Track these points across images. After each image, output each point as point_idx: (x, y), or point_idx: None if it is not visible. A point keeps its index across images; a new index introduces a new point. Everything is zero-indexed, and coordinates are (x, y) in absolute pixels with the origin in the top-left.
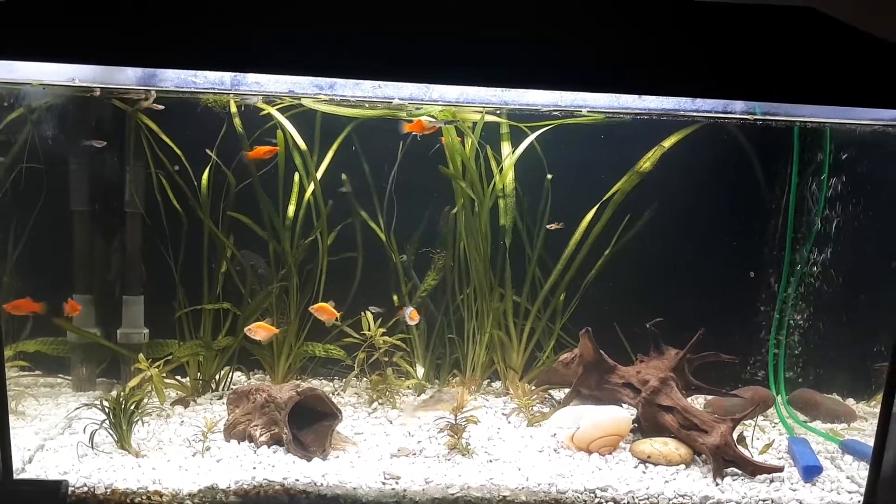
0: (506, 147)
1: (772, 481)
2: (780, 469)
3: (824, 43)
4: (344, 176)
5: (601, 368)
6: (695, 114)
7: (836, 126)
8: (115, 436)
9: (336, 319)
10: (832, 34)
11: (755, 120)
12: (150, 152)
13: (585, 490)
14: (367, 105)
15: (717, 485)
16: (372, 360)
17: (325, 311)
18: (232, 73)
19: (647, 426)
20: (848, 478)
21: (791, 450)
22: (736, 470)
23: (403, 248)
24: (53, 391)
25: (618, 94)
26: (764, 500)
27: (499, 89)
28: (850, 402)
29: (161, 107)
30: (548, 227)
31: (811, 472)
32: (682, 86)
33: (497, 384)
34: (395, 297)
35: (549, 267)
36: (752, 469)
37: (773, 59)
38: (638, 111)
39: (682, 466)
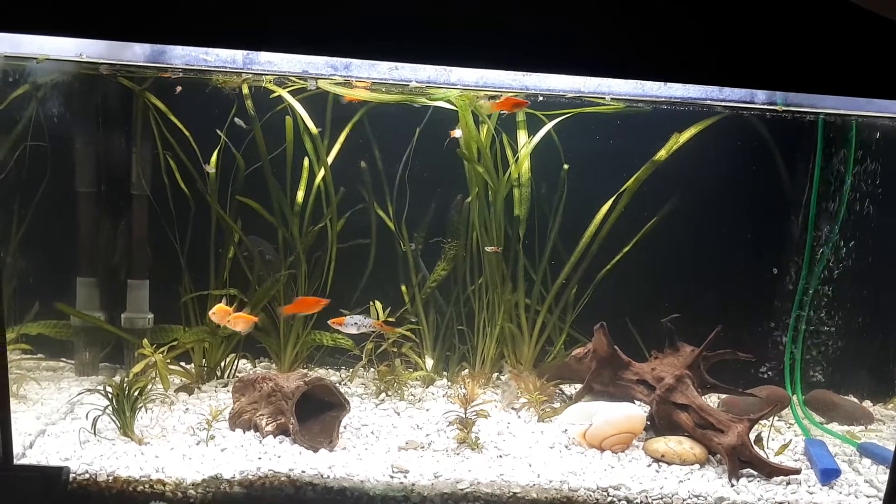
0: (522, 135)
1: (788, 483)
2: (798, 471)
3: (849, 33)
4: (363, 163)
5: (615, 364)
6: (717, 103)
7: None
8: (117, 422)
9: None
10: (857, 23)
11: (779, 111)
12: (157, 133)
13: (598, 488)
14: (382, 88)
15: (733, 486)
16: (380, 350)
17: (241, 319)
18: (244, 52)
19: (661, 424)
20: (866, 482)
21: (808, 452)
22: (752, 471)
23: (413, 238)
24: (56, 375)
25: (641, 82)
26: (780, 503)
27: (519, 74)
28: (868, 403)
29: (179, 87)
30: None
31: (829, 475)
32: (707, 74)
33: (507, 376)
34: (403, 288)
35: (563, 259)
36: (769, 470)
37: (798, 48)
38: (661, 99)
39: (697, 466)
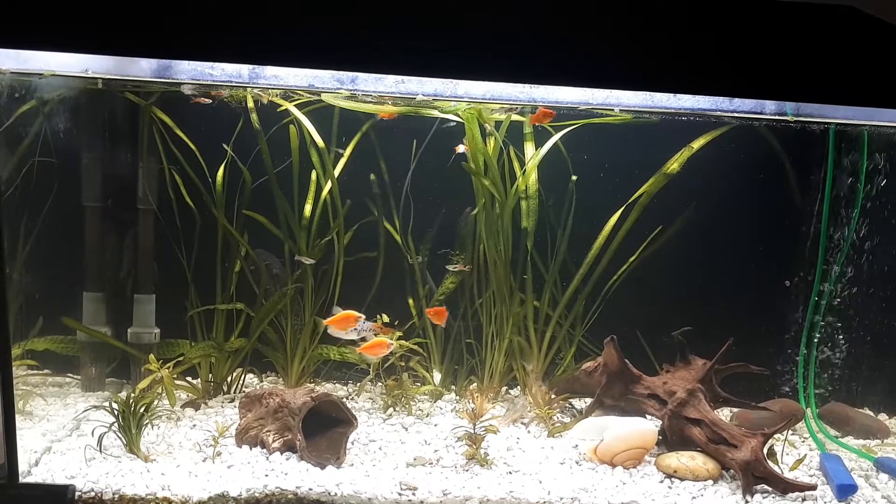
0: (529, 147)
1: (804, 500)
2: (814, 487)
3: (866, 43)
4: (372, 176)
5: (626, 378)
6: (728, 114)
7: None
8: (123, 439)
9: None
10: (874, 34)
11: (789, 122)
12: (163, 147)
13: None
14: (388, 101)
15: (747, 502)
16: (387, 364)
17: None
18: (250, 66)
19: (673, 439)
20: (884, 497)
21: (823, 467)
22: (766, 487)
23: (419, 250)
24: (62, 391)
25: (651, 93)
26: None
27: (527, 86)
28: (883, 416)
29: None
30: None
31: (846, 490)
32: (718, 85)
33: (515, 391)
34: (410, 301)
35: (571, 272)
36: (784, 486)
37: (813, 59)
38: (671, 111)
39: (710, 482)
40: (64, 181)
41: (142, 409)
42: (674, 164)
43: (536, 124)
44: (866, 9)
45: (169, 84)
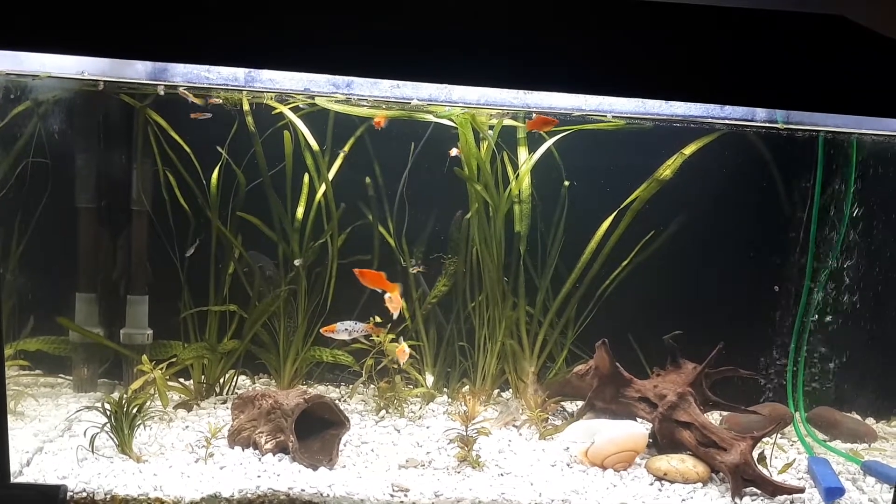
0: (523, 152)
1: (792, 502)
2: (802, 490)
3: (853, 52)
4: (368, 179)
5: (617, 381)
6: (719, 121)
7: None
8: (116, 439)
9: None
10: (861, 43)
11: (780, 129)
12: (158, 149)
13: None
14: (383, 106)
15: None
16: (380, 366)
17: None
18: (246, 69)
19: (663, 442)
20: (870, 501)
21: (811, 470)
22: (755, 490)
23: (412, 254)
24: (54, 391)
25: (643, 99)
26: None
27: (521, 91)
28: (871, 421)
29: (209, 113)
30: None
31: (833, 493)
32: (708, 92)
33: (507, 394)
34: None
35: (563, 276)
36: (773, 489)
37: (803, 67)
38: (663, 117)
39: (700, 485)
40: (58, 182)
41: (134, 410)
42: (666, 171)
43: (531, 130)
44: (855, 18)
45: (167, 87)
